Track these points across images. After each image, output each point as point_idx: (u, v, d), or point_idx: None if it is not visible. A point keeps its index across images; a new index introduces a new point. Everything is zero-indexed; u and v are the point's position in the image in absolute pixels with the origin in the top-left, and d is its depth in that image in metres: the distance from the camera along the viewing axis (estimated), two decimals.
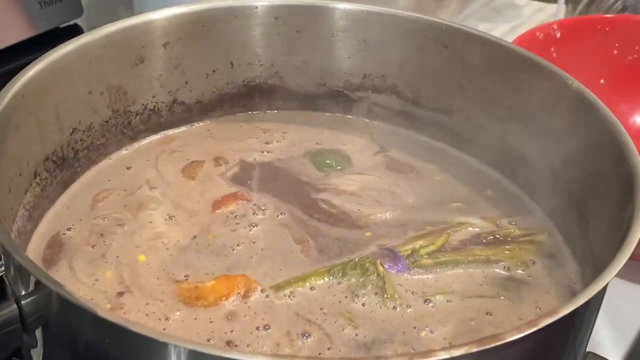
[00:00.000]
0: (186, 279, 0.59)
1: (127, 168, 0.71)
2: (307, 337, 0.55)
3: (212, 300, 0.57)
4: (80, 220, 0.65)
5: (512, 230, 0.66)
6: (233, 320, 0.56)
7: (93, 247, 0.62)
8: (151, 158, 0.72)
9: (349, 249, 0.63)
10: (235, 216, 0.66)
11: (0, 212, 0.52)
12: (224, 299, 0.57)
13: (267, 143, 0.75)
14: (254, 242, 0.63)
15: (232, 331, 0.55)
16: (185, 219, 0.66)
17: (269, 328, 0.56)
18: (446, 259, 0.62)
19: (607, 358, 0.66)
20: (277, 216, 0.66)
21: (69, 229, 0.64)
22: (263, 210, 0.67)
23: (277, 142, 0.75)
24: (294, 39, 0.76)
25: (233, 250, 0.62)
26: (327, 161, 0.73)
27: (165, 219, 0.66)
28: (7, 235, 0.48)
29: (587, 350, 0.66)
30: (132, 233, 0.64)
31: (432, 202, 0.69)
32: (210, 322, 0.56)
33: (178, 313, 0.57)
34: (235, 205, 0.67)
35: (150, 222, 0.65)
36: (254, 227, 0.65)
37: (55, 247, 0.63)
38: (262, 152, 0.74)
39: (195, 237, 0.64)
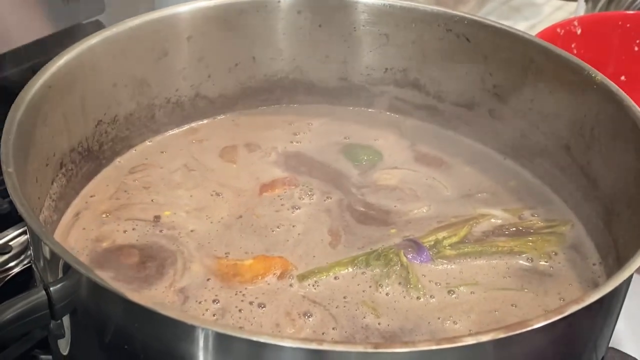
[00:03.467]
0: (226, 256, 0.61)
1: (162, 152, 0.72)
2: (334, 329, 0.55)
3: (248, 278, 0.58)
4: (107, 185, 0.68)
5: (535, 222, 0.66)
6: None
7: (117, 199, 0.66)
8: (183, 147, 0.73)
9: (373, 242, 0.63)
10: (281, 199, 0.67)
11: (29, 201, 0.53)
12: (260, 277, 0.58)
13: (295, 134, 0.76)
14: (293, 226, 0.64)
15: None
16: (233, 198, 0.67)
17: (304, 315, 0.56)
18: (469, 250, 0.62)
19: (629, 354, 0.66)
20: (324, 200, 0.67)
21: (92, 196, 0.66)
22: (310, 195, 0.67)
23: (304, 133, 0.76)
24: (316, 33, 0.76)
25: (272, 231, 0.64)
26: (361, 156, 0.73)
27: (212, 195, 0.67)
28: (37, 222, 0.49)
29: (610, 346, 0.66)
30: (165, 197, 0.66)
31: (462, 195, 0.69)
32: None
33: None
34: (283, 189, 0.68)
35: (191, 196, 0.67)
36: (296, 209, 0.66)
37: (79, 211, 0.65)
38: (292, 142, 0.75)
39: (241, 216, 0.65)
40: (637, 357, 0.64)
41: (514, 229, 0.65)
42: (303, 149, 0.74)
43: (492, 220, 0.66)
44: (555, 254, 0.63)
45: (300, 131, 0.76)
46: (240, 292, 0.57)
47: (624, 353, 0.66)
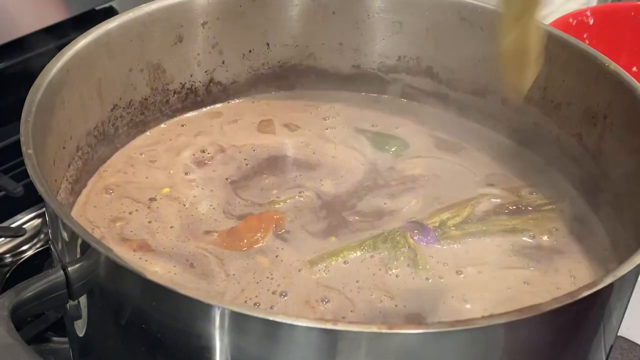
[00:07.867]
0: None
1: (182, 125, 0.74)
2: (351, 311, 0.56)
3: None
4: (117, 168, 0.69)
5: (534, 199, 0.67)
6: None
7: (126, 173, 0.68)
8: (214, 124, 0.74)
9: (376, 226, 0.64)
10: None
11: (46, 182, 0.54)
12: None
13: (325, 119, 0.76)
14: None
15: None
16: None
17: (322, 301, 0.57)
18: (474, 230, 0.63)
19: (638, 343, 0.66)
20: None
21: (105, 170, 0.68)
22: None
23: (333, 118, 0.76)
24: (330, 20, 0.76)
25: None
26: (388, 146, 0.73)
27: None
28: (57, 201, 0.50)
29: (618, 334, 0.66)
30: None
31: (478, 181, 0.70)
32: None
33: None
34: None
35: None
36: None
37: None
38: (324, 125, 0.75)
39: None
40: None
41: (514, 207, 0.66)
42: (336, 134, 0.74)
43: (492, 199, 0.66)
44: (557, 229, 0.64)
45: (329, 116, 0.76)
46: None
47: (633, 342, 0.67)
